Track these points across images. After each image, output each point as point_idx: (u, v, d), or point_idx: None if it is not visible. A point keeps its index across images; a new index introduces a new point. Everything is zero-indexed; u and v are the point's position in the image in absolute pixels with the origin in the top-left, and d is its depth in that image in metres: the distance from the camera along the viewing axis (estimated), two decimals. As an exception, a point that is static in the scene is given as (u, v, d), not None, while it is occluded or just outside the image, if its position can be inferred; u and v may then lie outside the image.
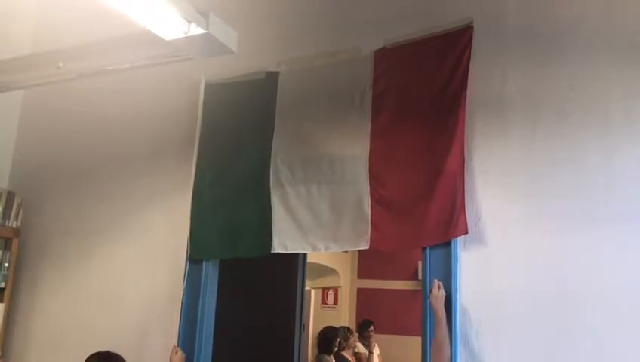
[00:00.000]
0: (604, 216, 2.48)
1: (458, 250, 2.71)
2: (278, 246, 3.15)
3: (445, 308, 2.62)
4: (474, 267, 2.68)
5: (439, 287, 2.66)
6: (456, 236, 2.70)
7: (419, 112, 2.92)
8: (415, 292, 7.19)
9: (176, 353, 3.08)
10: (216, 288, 3.38)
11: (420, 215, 2.80)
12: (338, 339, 6.54)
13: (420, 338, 2.76)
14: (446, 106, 2.83)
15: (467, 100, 2.79)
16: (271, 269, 3.83)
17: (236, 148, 3.42)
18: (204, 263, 3.33)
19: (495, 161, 2.74)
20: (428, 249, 2.78)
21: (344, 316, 8.65)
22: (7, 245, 3.97)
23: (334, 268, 8.64)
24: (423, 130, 2.88)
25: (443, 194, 2.74)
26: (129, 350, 2.77)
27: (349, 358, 6.74)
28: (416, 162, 2.86)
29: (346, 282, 9.01)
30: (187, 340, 3.24)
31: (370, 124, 3.03)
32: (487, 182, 2.74)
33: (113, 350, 2.72)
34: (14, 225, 4.03)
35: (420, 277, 6.02)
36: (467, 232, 2.67)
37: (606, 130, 2.55)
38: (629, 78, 2.55)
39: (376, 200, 2.92)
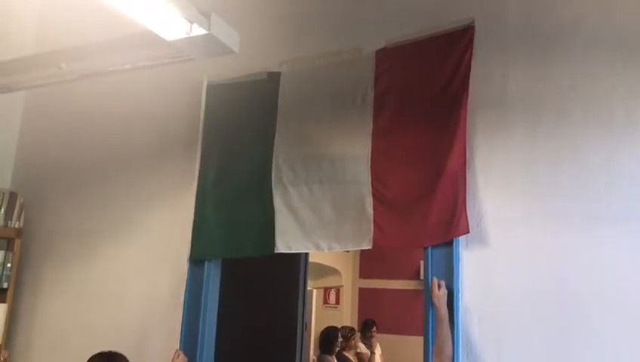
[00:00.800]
0: (605, 216, 2.48)
1: (460, 249, 2.71)
2: (281, 246, 3.15)
3: (447, 306, 2.62)
4: (476, 267, 2.69)
5: (439, 286, 2.66)
6: (458, 236, 2.70)
7: (420, 112, 2.93)
8: (417, 292, 7.20)
9: (177, 356, 3.07)
10: (218, 288, 3.38)
11: (421, 215, 2.80)
12: (340, 339, 6.55)
13: (421, 338, 2.76)
14: (447, 106, 2.83)
15: (468, 100, 2.79)
16: (272, 269, 3.83)
17: (238, 149, 3.42)
18: (206, 263, 3.33)
19: (496, 161, 2.74)
20: (430, 248, 2.78)
21: (346, 316, 8.66)
22: (9, 245, 3.97)
23: (336, 267, 8.65)
24: (425, 129, 2.88)
25: (444, 193, 2.74)
26: (130, 350, 2.78)
27: (351, 358, 6.75)
28: (417, 162, 2.87)
29: (348, 282, 9.02)
30: (189, 340, 3.24)
31: (371, 123, 3.03)
32: (488, 181, 2.74)
33: (115, 350, 2.72)
34: (17, 226, 4.04)
35: (422, 277, 6.03)
36: (468, 232, 2.67)
37: (607, 130, 2.55)
38: (630, 77, 2.55)
39: (378, 199, 2.93)
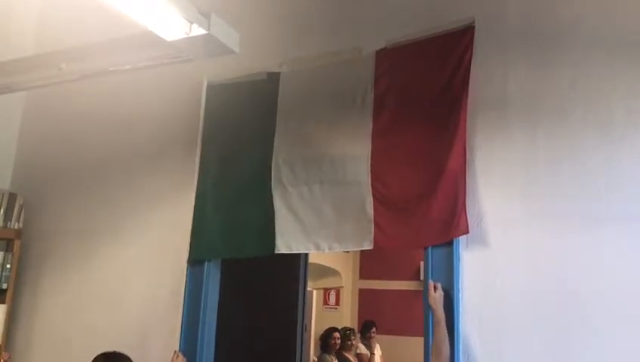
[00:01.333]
0: (605, 216, 2.48)
1: (460, 249, 2.71)
2: (282, 247, 3.15)
3: (446, 307, 2.62)
4: (476, 267, 2.69)
5: (436, 288, 2.67)
6: (458, 236, 2.70)
7: (420, 112, 2.93)
8: (417, 293, 7.21)
9: (177, 357, 3.07)
10: (218, 289, 3.38)
11: (421, 215, 2.80)
12: (337, 337, 6.59)
13: (422, 339, 2.75)
14: (447, 106, 2.83)
15: (468, 100, 2.79)
16: (272, 270, 3.83)
17: (238, 149, 3.42)
18: (205, 264, 3.33)
19: (496, 161, 2.74)
20: (430, 249, 2.78)
21: (346, 317, 8.67)
22: (9, 246, 3.97)
23: (336, 268, 8.66)
24: (425, 129, 2.89)
25: (444, 194, 2.74)
26: (131, 350, 2.77)
27: (351, 359, 6.76)
28: (417, 162, 2.87)
29: (348, 283, 9.03)
30: (189, 341, 3.24)
31: (371, 123, 3.03)
32: (488, 182, 2.74)
33: (116, 350, 2.72)
34: (16, 227, 4.03)
35: (422, 278, 6.03)
36: (468, 232, 2.67)
37: (607, 130, 2.55)
38: (630, 77, 2.55)
39: (378, 199, 2.93)
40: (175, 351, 3.11)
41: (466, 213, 2.68)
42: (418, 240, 2.83)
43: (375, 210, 2.93)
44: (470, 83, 2.80)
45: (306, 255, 4.31)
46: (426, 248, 2.80)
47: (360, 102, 3.09)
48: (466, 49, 2.84)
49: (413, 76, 2.99)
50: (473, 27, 2.86)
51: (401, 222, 2.86)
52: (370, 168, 2.98)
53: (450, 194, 2.73)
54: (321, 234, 3.06)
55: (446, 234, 2.72)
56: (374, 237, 2.91)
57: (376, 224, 2.91)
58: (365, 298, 8.88)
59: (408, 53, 3.03)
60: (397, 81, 3.04)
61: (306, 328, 4.49)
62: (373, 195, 2.94)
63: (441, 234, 2.74)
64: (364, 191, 2.97)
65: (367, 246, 2.93)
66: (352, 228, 2.98)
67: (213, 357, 3.28)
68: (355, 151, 3.03)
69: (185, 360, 3.09)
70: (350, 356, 6.77)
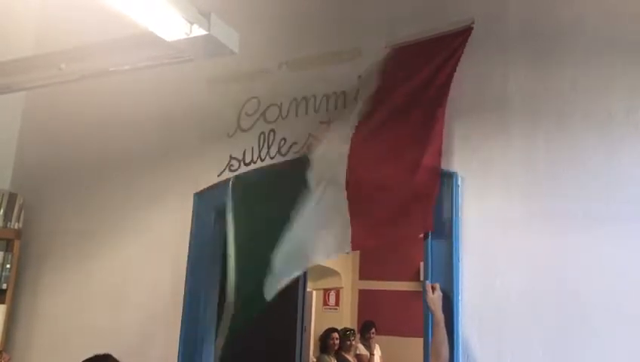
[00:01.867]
0: (605, 216, 2.47)
1: (460, 250, 2.71)
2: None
3: (446, 308, 2.62)
4: (475, 267, 2.68)
5: (434, 289, 2.66)
6: (424, 232, 2.73)
7: (403, 111, 2.91)
8: (417, 294, 7.18)
9: None
10: (217, 289, 3.38)
11: (394, 211, 2.80)
12: (335, 338, 6.59)
13: (421, 340, 2.75)
14: (426, 104, 2.82)
15: (467, 100, 2.78)
16: (272, 270, 3.82)
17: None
18: (205, 263, 3.33)
19: (496, 161, 2.74)
20: (429, 249, 2.77)
21: (346, 317, 8.65)
22: (8, 246, 3.97)
23: (335, 269, 8.64)
24: (404, 127, 2.87)
25: (417, 190, 2.74)
26: (130, 350, 2.79)
27: (351, 359, 6.76)
28: (393, 159, 2.85)
29: (348, 283, 9.01)
30: (189, 341, 3.24)
31: (356, 124, 3.01)
32: (487, 182, 2.74)
33: (115, 351, 2.71)
34: (16, 227, 4.04)
35: (421, 278, 6.02)
36: (432, 229, 2.70)
37: (607, 130, 2.54)
38: (630, 78, 2.55)
39: (353, 199, 2.91)
40: None
41: (432, 210, 2.69)
42: (391, 236, 2.86)
43: (350, 210, 2.91)
44: (470, 83, 2.80)
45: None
46: (425, 249, 2.78)
47: (351, 103, 3.08)
48: (458, 48, 2.83)
49: (411, 76, 2.96)
50: (471, 28, 2.85)
51: (374, 221, 2.86)
52: (347, 169, 2.96)
53: (423, 191, 2.73)
54: (311, 248, 3.02)
55: (417, 230, 2.76)
56: (352, 239, 2.89)
57: (352, 225, 2.90)
58: (365, 298, 8.86)
59: (407, 54, 3.02)
60: (391, 81, 3.02)
61: (305, 329, 4.49)
62: (349, 196, 2.93)
63: (413, 230, 2.78)
64: (342, 191, 2.95)
65: (346, 249, 2.93)
66: (334, 232, 2.95)
67: (212, 357, 3.28)
68: (339, 152, 3.01)
69: None
70: (350, 357, 6.77)
